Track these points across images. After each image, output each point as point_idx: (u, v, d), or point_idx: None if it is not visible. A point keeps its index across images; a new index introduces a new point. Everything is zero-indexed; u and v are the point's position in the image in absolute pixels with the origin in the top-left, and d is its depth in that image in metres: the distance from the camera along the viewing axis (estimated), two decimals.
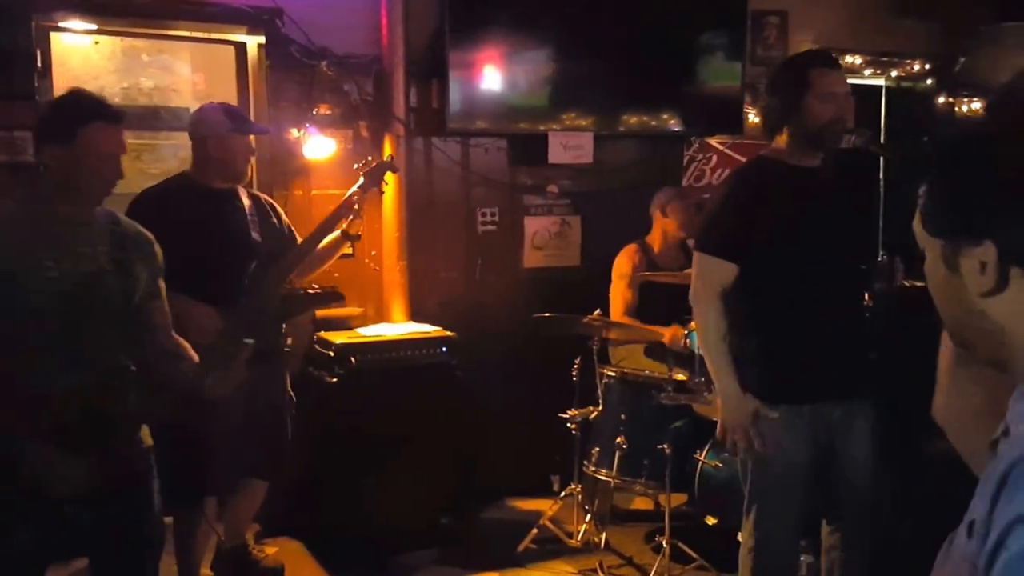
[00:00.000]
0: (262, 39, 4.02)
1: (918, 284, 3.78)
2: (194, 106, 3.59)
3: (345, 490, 3.78)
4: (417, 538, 3.89)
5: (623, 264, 4.25)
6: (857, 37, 5.17)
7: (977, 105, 5.72)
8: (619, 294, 4.21)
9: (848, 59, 5.01)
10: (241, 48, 4.11)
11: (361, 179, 3.51)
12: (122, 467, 2.27)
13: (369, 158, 3.72)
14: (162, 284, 2.44)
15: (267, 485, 3.54)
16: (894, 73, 5.35)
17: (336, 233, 3.49)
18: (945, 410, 1.79)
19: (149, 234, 2.43)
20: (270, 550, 3.80)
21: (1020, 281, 1.00)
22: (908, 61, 5.34)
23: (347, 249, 4.00)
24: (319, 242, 3.46)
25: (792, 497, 2.69)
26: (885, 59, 5.26)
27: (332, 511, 3.82)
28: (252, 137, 3.38)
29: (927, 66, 5.37)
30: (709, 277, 2.66)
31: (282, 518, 3.92)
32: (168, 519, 2.86)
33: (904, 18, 5.30)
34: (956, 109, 5.69)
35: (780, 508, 2.70)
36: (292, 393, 3.54)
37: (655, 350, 4.12)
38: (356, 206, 3.45)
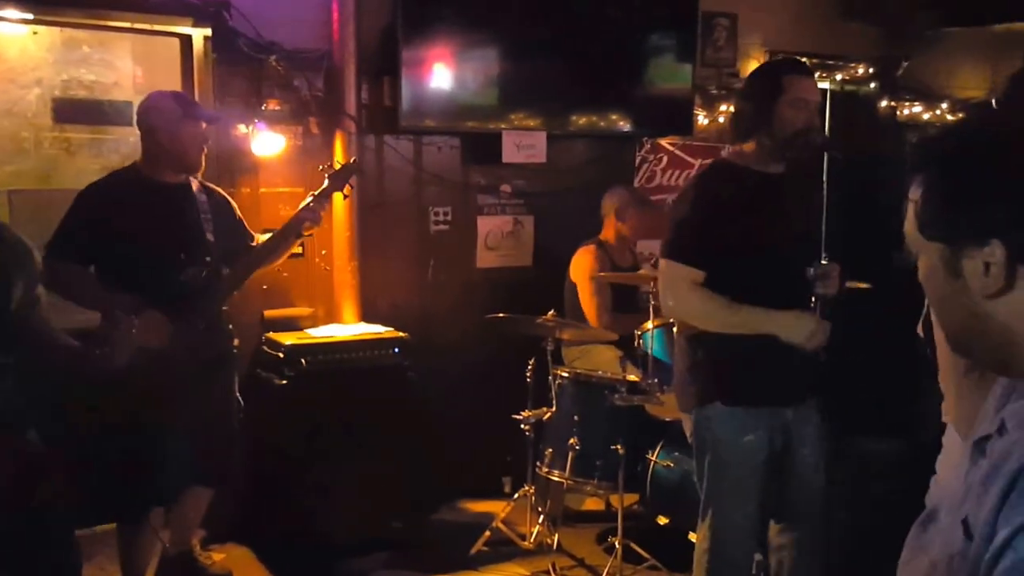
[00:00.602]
0: (208, 32, 3.91)
1: (860, 285, 3.85)
2: (137, 100, 3.45)
3: (294, 494, 3.73)
4: (368, 542, 3.85)
5: (588, 265, 4.24)
6: (804, 40, 5.24)
7: (918, 109, 5.86)
8: (592, 295, 4.20)
9: None
10: (187, 41, 3.99)
11: (325, 182, 3.43)
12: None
13: (336, 160, 3.65)
14: (41, 292, 2.34)
15: (212, 492, 3.45)
16: (839, 76, 5.43)
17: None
18: (955, 413, 1.82)
19: (29, 243, 2.32)
20: (217, 556, 3.73)
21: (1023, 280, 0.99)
22: (853, 64, 5.43)
23: (296, 249, 3.94)
24: (276, 250, 3.37)
25: (748, 498, 2.71)
26: (831, 62, 5.35)
27: (281, 516, 3.76)
28: (204, 124, 3.25)
29: (871, 70, 5.47)
30: (679, 284, 2.65)
31: (229, 523, 3.85)
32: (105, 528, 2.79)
33: (849, 21, 5.40)
34: (898, 113, 5.81)
35: (736, 509, 2.72)
36: (240, 397, 3.46)
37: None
38: (321, 212, 3.36)
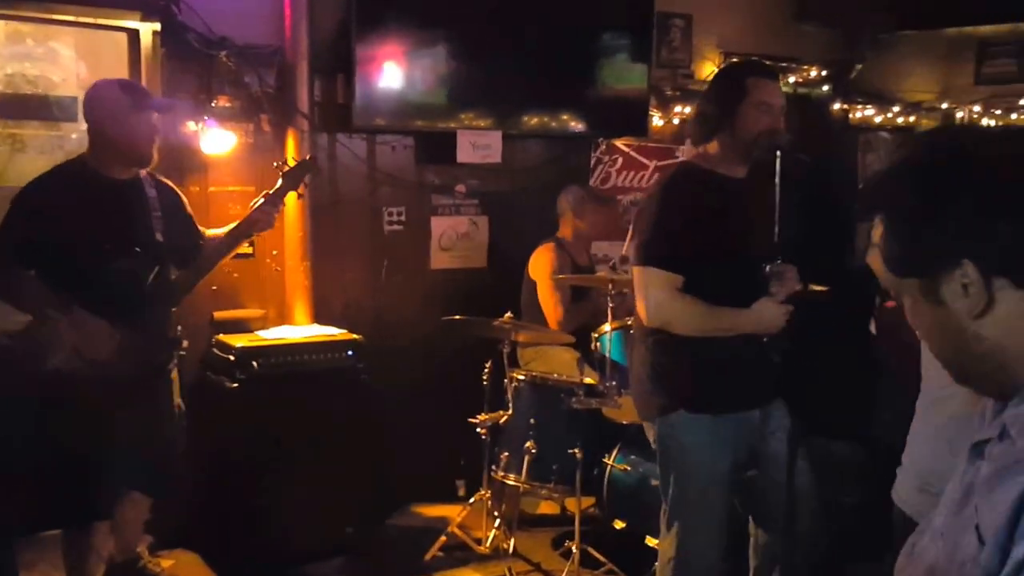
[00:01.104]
0: (157, 26, 3.81)
1: (819, 289, 3.87)
2: (83, 95, 3.33)
3: (245, 499, 3.65)
4: (321, 548, 3.79)
5: (548, 263, 4.21)
6: (758, 42, 5.27)
7: (871, 112, 5.94)
8: (552, 293, 4.17)
9: None
10: (134, 35, 3.88)
11: (279, 181, 3.35)
12: None
13: (292, 158, 3.58)
14: None
15: (150, 499, 3.36)
16: (792, 79, 5.49)
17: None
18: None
19: None
20: (165, 563, 3.64)
21: (1005, 292, 1.01)
22: (806, 67, 5.48)
23: (247, 249, 3.86)
24: (227, 252, 3.29)
25: (716, 506, 2.70)
26: (784, 64, 5.39)
27: (231, 521, 3.68)
28: (155, 115, 3.10)
29: (824, 72, 5.52)
30: (660, 290, 2.62)
31: (178, 529, 3.76)
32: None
33: (803, 24, 5.44)
34: (850, 116, 5.88)
35: (703, 518, 2.71)
36: (182, 403, 3.35)
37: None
38: (275, 212, 3.29)
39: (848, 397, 4.02)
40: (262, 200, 3.32)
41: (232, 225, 3.34)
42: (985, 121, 6.01)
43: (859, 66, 5.57)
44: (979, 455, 1.05)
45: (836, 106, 5.71)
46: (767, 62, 5.29)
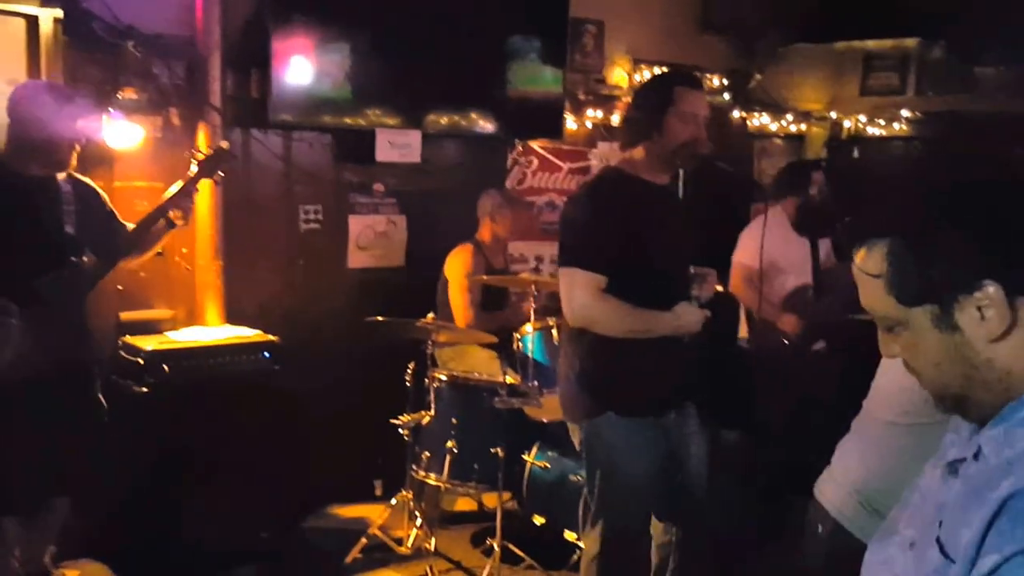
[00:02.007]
0: (59, 13, 3.61)
1: (718, 288, 4.04)
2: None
3: (155, 507, 3.52)
4: (236, 555, 3.69)
5: (463, 264, 4.22)
6: (664, 50, 5.42)
7: (767, 120, 6.19)
8: (462, 293, 4.18)
9: (657, 71, 5.24)
10: (33, 22, 3.67)
11: (194, 168, 3.25)
12: None
13: (208, 147, 3.47)
14: None
15: (68, 502, 3.23)
16: None
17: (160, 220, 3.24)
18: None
19: None
20: (71, 574, 3.49)
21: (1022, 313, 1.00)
22: (708, 76, 5.67)
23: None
24: (140, 242, 3.19)
25: (640, 505, 2.78)
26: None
27: (141, 530, 3.54)
28: (79, 121, 3.04)
29: (725, 81, 5.72)
30: (585, 291, 2.66)
31: (84, 538, 3.59)
32: None
33: (707, 34, 5.63)
34: (748, 123, 6.12)
35: (628, 516, 2.78)
36: (104, 401, 3.24)
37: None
38: (189, 196, 3.20)
39: (731, 390, 4.20)
40: (176, 189, 3.23)
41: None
42: (870, 130, 6.36)
43: (758, 76, 5.80)
44: (953, 473, 1.07)
45: (735, 114, 5.93)
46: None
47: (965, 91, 5.90)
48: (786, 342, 4.20)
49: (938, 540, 1.01)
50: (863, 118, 6.35)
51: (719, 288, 3.76)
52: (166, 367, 3.57)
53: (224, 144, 3.56)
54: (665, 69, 5.43)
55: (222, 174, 3.38)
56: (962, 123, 5.71)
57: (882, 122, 6.28)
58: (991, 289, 0.99)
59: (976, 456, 1.03)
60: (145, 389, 3.53)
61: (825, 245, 4.45)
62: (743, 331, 4.51)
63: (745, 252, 4.14)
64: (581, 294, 2.66)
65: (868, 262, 1.06)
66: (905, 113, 6.14)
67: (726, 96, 5.76)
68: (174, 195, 3.21)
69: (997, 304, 0.99)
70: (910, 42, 5.94)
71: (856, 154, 6.42)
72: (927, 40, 5.83)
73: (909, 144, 6.21)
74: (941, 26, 5.37)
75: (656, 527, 2.96)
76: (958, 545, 0.97)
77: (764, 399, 4.04)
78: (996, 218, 1.00)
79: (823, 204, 4.22)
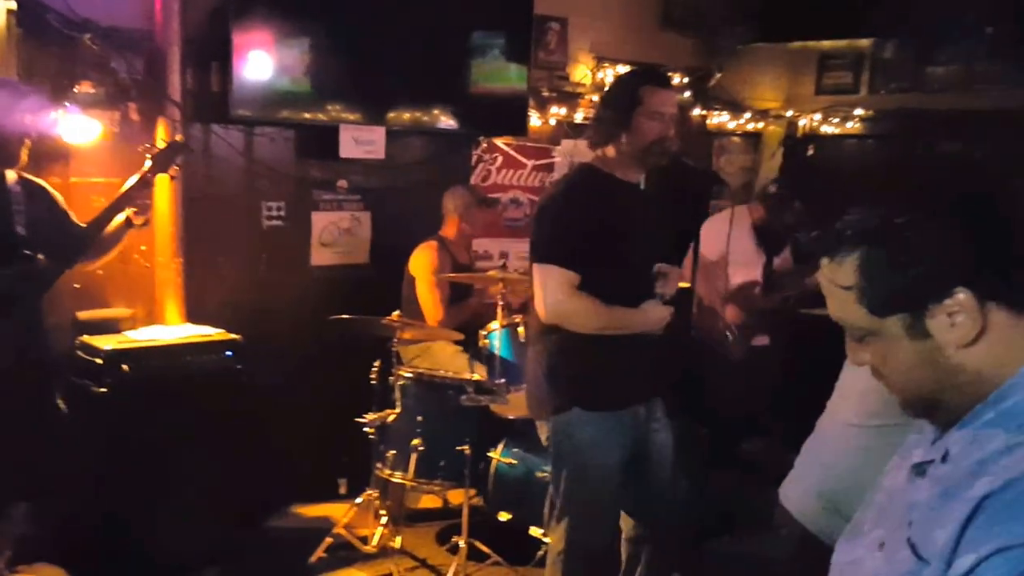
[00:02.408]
0: (13, 4, 3.51)
1: (683, 285, 4.09)
2: None
3: (115, 509, 3.46)
4: (198, 556, 3.64)
5: (429, 261, 4.20)
6: (626, 48, 5.45)
7: (725, 118, 6.27)
8: (431, 291, 4.17)
9: (619, 69, 5.27)
10: None
11: (148, 162, 3.19)
12: None
13: (163, 140, 3.41)
14: None
15: (25, 508, 3.16)
16: None
17: (119, 219, 3.17)
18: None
19: None
20: None
21: (998, 317, 1.01)
22: (670, 74, 5.71)
23: None
24: (97, 237, 3.12)
25: (606, 500, 2.80)
26: None
27: (100, 532, 3.48)
28: (29, 116, 2.98)
29: (686, 79, 5.77)
30: (560, 287, 2.67)
31: (40, 542, 3.50)
32: None
33: (668, 33, 5.67)
34: (707, 121, 6.19)
35: (595, 511, 2.80)
36: (63, 404, 3.16)
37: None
38: (145, 192, 3.14)
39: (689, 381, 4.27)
40: (130, 184, 3.17)
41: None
42: (825, 129, 6.47)
43: (718, 74, 5.86)
44: (920, 475, 1.08)
45: (695, 112, 5.98)
46: (634, 67, 5.53)
47: (916, 89, 6.04)
48: (729, 335, 4.28)
49: (909, 541, 1.02)
50: (818, 116, 6.46)
51: (683, 285, 3.83)
52: (125, 367, 3.50)
53: (179, 137, 3.51)
54: (628, 67, 5.48)
55: (178, 168, 3.34)
56: (914, 121, 5.84)
57: (836, 120, 6.40)
58: (962, 296, 1.00)
59: (944, 458, 1.04)
60: (104, 390, 3.46)
61: (784, 252, 4.53)
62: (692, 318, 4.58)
63: (702, 243, 4.21)
64: (555, 290, 2.67)
65: (838, 274, 1.06)
66: (859, 112, 6.25)
67: (686, 94, 5.80)
68: (127, 190, 3.17)
69: (968, 310, 1.00)
70: (864, 42, 6.06)
71: (811, 152, 6.52)
72: (880, 40, 5.94)
73: (863, 142, 6.34)
74: (894, 26, 5.47)
75: (626, 521, 2.98)
76: (932, 546, 0.98)
77: (708, 389, 4.10)
78: (965, 225, 1.00)
79: (790, 229, 4.29)
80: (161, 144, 3.32)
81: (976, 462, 0.99)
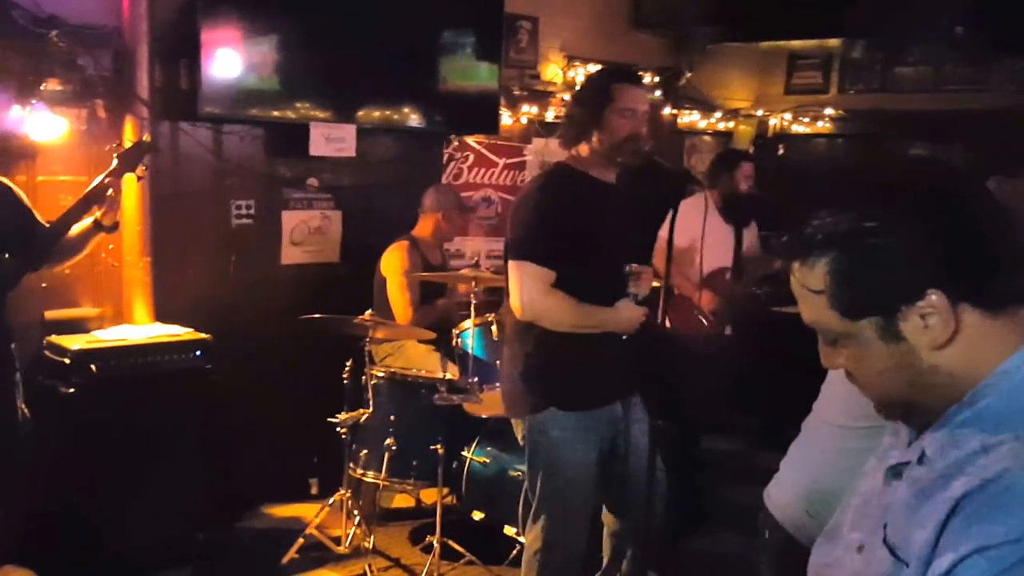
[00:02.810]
0: None
1: (656, 284, 4.12)
2: None
3: (85, 510, 3.42)
4: (169, 557, 3.62)
5: (400, 261, 4.18)
6: (597, 47, 5.47)
7: (696, 117, 6.30)
8: (402, 291, 4.15)
9: (590, 68, 5.28)
10: None
11: (114, 162, 3.16)
12: None
13: (131, 140, 3.37)
14: None
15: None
16: None
17: (88, 222, 3.13)
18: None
19: None
20: None
21: (970, 318, 1.01)
22: (641, 73, 5.73)
23: None
24: (64, 233, 3.08)
25: (583, 499, 2.80)
26: None
27: (70, 533, 3.44)
28: None
29: (657, 79, 5.80)
30: (535, 285, 2.67)
31: (9, 544, 3.45)
32: None
33: (639, 32, 5.69)
34: (678, 120, 6.22)
35: (570, 510, 2.80)
36: (25, 408, 3.11)
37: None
38: (110, 192, 3.10)
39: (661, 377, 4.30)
40: (96, 184, 3.14)
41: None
42: (795, 128, 6.53)
43: (688, 74, 5.90)
44: (896, 476, 1.08)
45: (666, 111, 6.01)
46: (605, 66, 5.54)
47: (886, 90, 6.11)
48: (704, 322, 4.32)
49: (886, 542, 1.03)
50: (788, 116, 6.53)
51: (656, 284, 3.86)
52: (93, 367, 3.47)
53: (146, 136, 3.47)
54: (598, 66, 5.49)
55: (145, 167, 3.30)
56: (883, 121, 5.91)
57: (806, 120, 6.46)
58: (934, 297, 1.00)
59: (920, 460, 1.05)
60: (72, 390, 3.43)
61: (750, 233, 4.58)
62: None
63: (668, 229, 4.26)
64: (531, 288, 2.67)
65: (810, 278, 1.05)
66: (828, 111, 6.32)
67: (657, 93, 5.83)
68: (93, 189, 3.12)
69: (941, 312, 1.00)
70: (833, 42, 6.12)
71: (781, 151, 6.59)
72: (850, 40, 6.01)
73: (832, 142, 6.41)
74: (863, 27, 5.53)
75: (608, 516, 3.00)
76: (910, 547, 0.99)
77: (684, 381, 4.12)
78: (936, 226, 1.00)
79: (750, 194, 4.39)
80: (128, 143, 3.27)
81: (952, 463, 1.00)
